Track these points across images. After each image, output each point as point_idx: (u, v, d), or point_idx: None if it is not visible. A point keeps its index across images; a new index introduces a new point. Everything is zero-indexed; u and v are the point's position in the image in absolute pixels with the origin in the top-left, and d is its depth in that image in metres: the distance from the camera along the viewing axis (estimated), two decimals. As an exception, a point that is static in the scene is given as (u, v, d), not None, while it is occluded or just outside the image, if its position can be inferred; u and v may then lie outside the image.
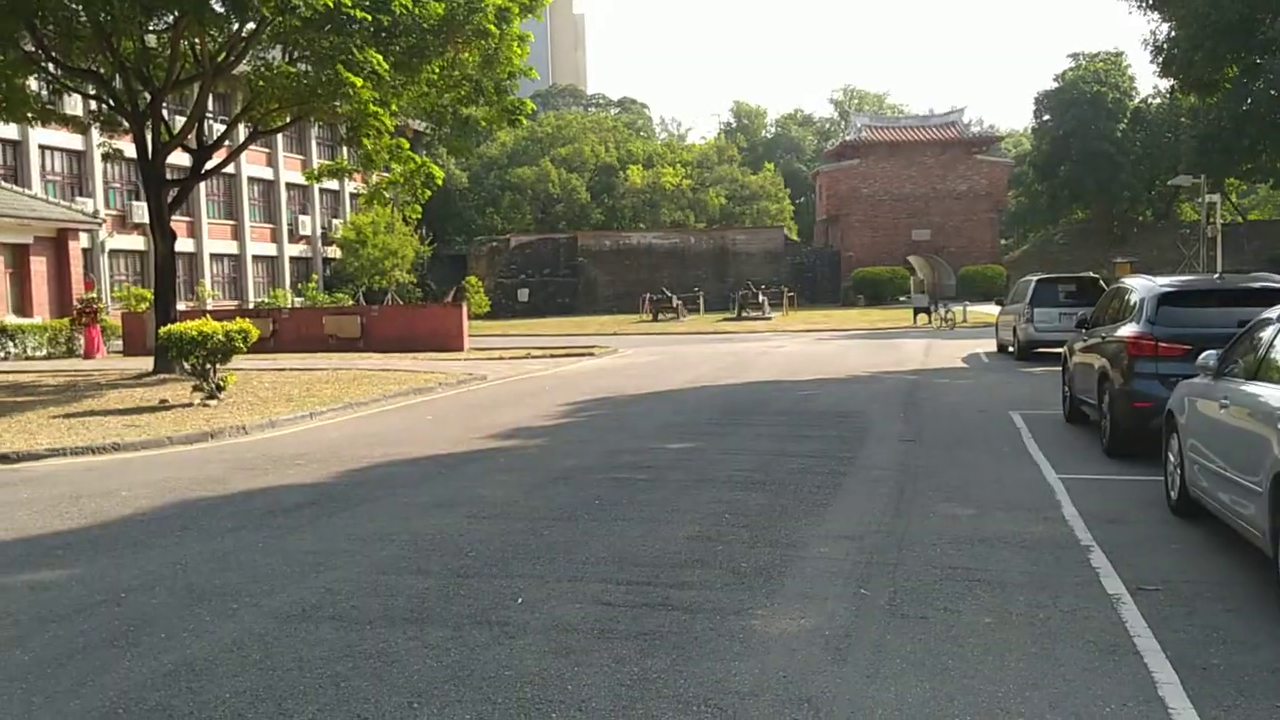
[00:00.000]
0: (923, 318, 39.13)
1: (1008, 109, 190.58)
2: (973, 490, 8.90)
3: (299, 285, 50.60)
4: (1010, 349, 23.71)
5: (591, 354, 27.97)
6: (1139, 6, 33.99)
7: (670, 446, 11.72)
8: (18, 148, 36.41)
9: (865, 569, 6.41)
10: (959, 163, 59.81)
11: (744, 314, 45.73)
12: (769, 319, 44.04)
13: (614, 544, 7.12)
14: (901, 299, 52.36)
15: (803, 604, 5.71)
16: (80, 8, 18.46)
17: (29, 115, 23.39)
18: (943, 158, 59.66)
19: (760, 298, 46.82)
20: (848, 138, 62.61)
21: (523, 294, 57.17)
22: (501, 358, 27.14)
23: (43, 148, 37.18)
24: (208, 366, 16.80)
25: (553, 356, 27.15)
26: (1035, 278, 23.46)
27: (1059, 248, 63.66)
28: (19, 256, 29.84)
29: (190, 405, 16.06)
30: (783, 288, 51.08)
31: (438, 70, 22.28)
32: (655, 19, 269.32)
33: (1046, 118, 62.74)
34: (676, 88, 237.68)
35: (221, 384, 16.90)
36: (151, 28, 21.55)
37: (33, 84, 23.91)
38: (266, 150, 48.53)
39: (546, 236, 60.43)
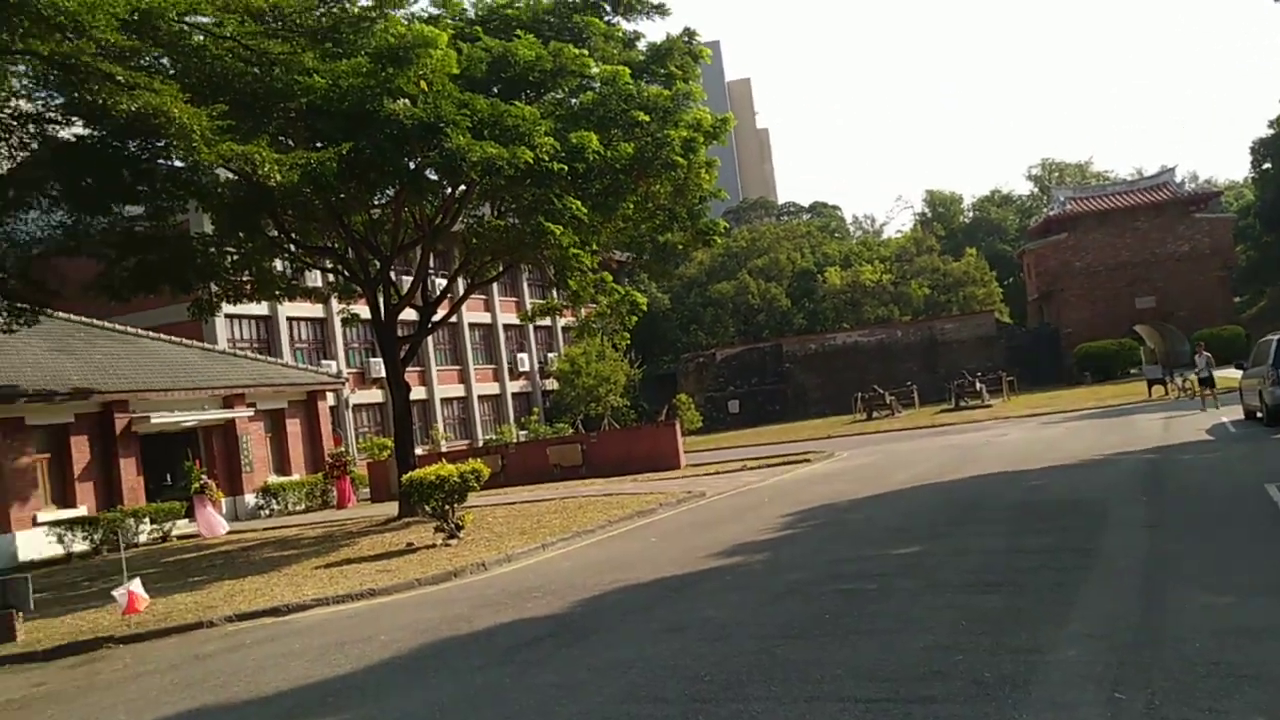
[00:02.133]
0: (1158, 389, 36.81)
1: (1220, 161, 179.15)
2: (1229, 575, 8.34)
3: (522, 419, 52.93)
4: (1259, 415, 21.97)
5: (807, 460, 27.81)
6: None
7: (896, 552, 11.54)
8: (269, 322, 40.37)
9: (1118, 670, 6.12)
10: (1176, 223, 56.60)
11: (961, 404, 44.34)
12: (988, 406, 42.51)
13: (848, 659, 7.10)
14: (1132, 371, 49.44)
15: (1053, 713, 5.53)
16: (314, 195, 20.62)
17: (277, 293, 26.08)
18: (1158, 220, 56.65)
19: (977, 385, 45.34)
20: (1051, 212, 60.54)
21: (733, 405, 57.58)
22: (718, 472, 27.38)
23: (290, 319, 41.04)
24: (446, 508, 17.86)
25: (768, 466, 27.17)
26: (1277, 336, 21.82)
27: (1301, 300, 58.72)
28: (277, 420, 32.83)
29: (433, 546, 17.08)
30: (1000, 372, 49.27)
31: (632, 205, 23.39)
32: (837, 122, 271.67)
33: (1267, 165, 58.74)
34: (866, 185, 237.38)
35: (460, 523, 17.91)
36: (375, 202, 23.75)
37: (278, 265, 26.70)
38: (484, 297, 51.63)
39: (751, 347, 60.97)
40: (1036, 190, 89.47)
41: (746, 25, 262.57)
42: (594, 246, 24.26)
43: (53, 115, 20.45)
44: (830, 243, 75.41)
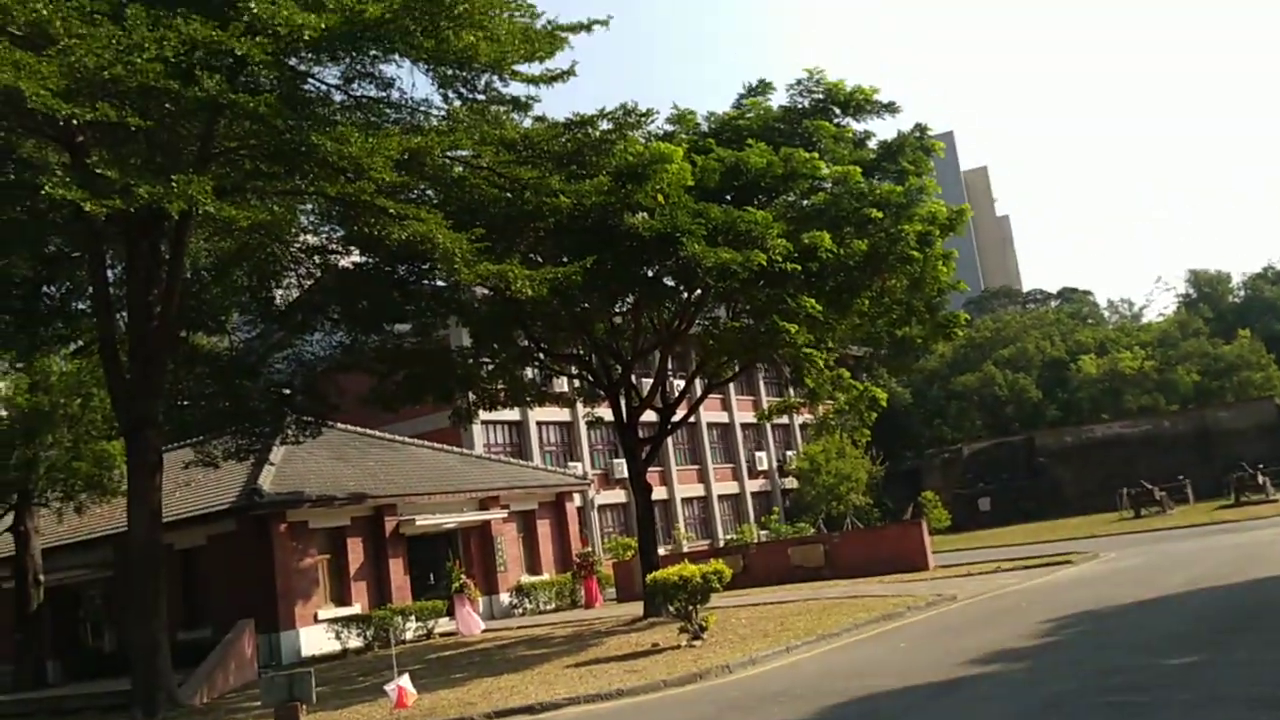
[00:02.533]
0: None
1: None
2: None
3: (762, 519, 52.68)
4: None
5: (1068, 562, 26.13)
6: None
7: (1171, 662, 10.70)
8: (520, 427, 42.53)
9: None
10: None
11: (1243, 499, 40.43)
12: (1274, 501, 38.57)
13: (1118, 776, 6.67)
14: None
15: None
16: (561, 306, 21.87)
17: (528, 399, 27.55)
18: None
19: (1260, 478, 41.27)
20: (1338, 286, 55.21)
21: (983, 503, 54.98)
22: (969, 573, 26.17)
23: (539, 423, 43.09)
24: (690, 608, 18.03)
25: (1025, 568, 25.72)
26: None
27: None
28: (528, 521, 34.29)
29: (678, 647, 17.24)
30: (1288, 464, 44.72)
31: (868, 301, 23.32)
32: (1083, 204, 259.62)
33: None
34: (1120, 267, 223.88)
35: (704, 624, 18.02)
36: (617, 310, 24.84)
37: (529, 372, 28.26)
38: (720, 396, 52.27)
39: (1000, 441, 58.32)
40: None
41: (981, 114, 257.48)
42: (829, 344, 24.28)
43: (334, 247, 22.86)
44: (1083, 330, 71.62)
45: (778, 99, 25.42)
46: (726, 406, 53.79)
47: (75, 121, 14.34)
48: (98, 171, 14.03)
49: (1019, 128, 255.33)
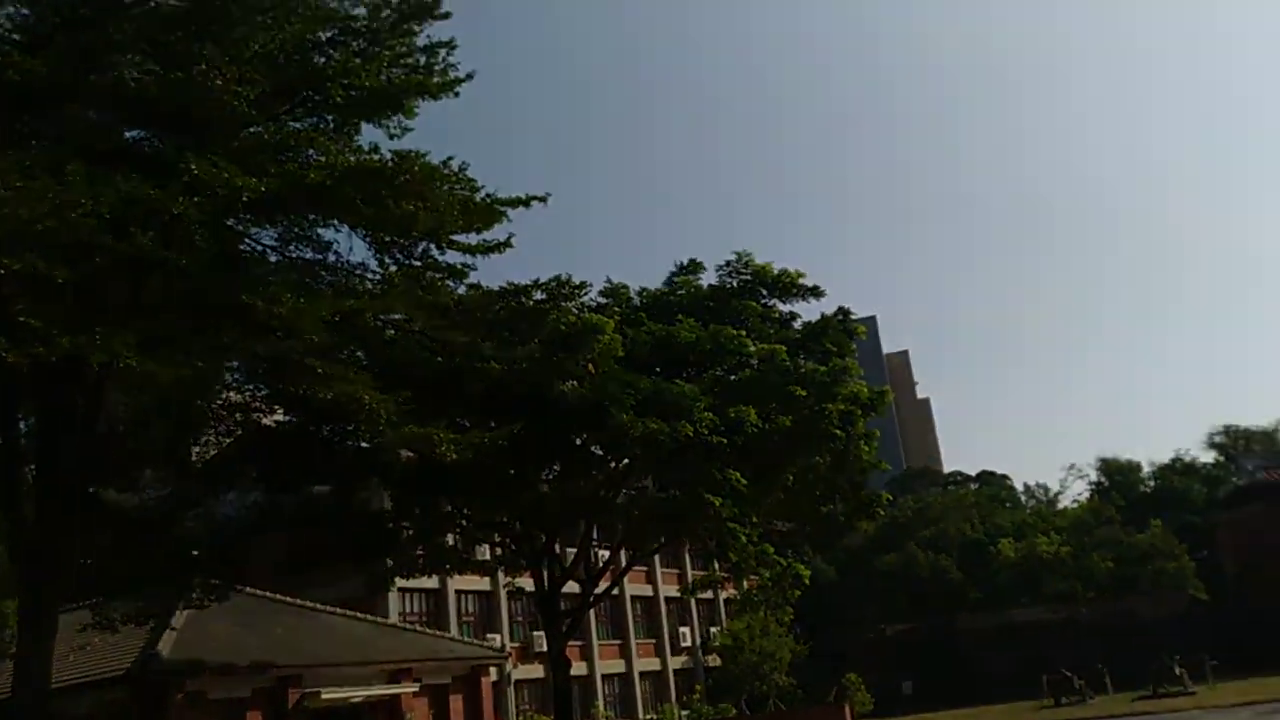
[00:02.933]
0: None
1: None
2: None
3: (684, 698, 51.17)
4: None
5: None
6: None
7: None
8: (438, 595, 41.24)
9: None
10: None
11: (1160, 690, 40.55)
12: (1192, 694, 38.73)
13: None
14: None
15: None
16: (486, 472, 21.66)
17: (448, 566, 26.88)
18: (1366, 484, 52.74)
19: (1177, 669, 41.52)
20: (1241, 482, 57.27)
21: (906, 687, 54.30)
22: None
23: (458, 592, 41.86)
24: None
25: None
26: None
27: None
28: (440, 696, 32.76)
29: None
30: (1203, 655, 45.07)
31: (792, 477, 23.59)
32: (1000, 389, 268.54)
33: None
34: (1035, 452, 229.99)
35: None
36: (543, 477, 24.68)
37: (450, 539, 27.67)
38: (645, 569, 51.56)
39: (923, 624, 58.12)
40: (1222, 458, 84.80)
41: (901, 299, 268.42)
42: (754, 519, 24.33)
43: (258, 404, 22.53)
44: (1001, 512, 72.78)
45: (708, 278, 26.28)
46: (651, 579, 53.01)
47: (1, 271, 14.22)
48: (20, 320, 13.83)
49: (940, 314, 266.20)
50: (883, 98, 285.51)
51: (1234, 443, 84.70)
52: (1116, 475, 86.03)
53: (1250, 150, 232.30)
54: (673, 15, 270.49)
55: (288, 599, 32.17)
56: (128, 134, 17.60)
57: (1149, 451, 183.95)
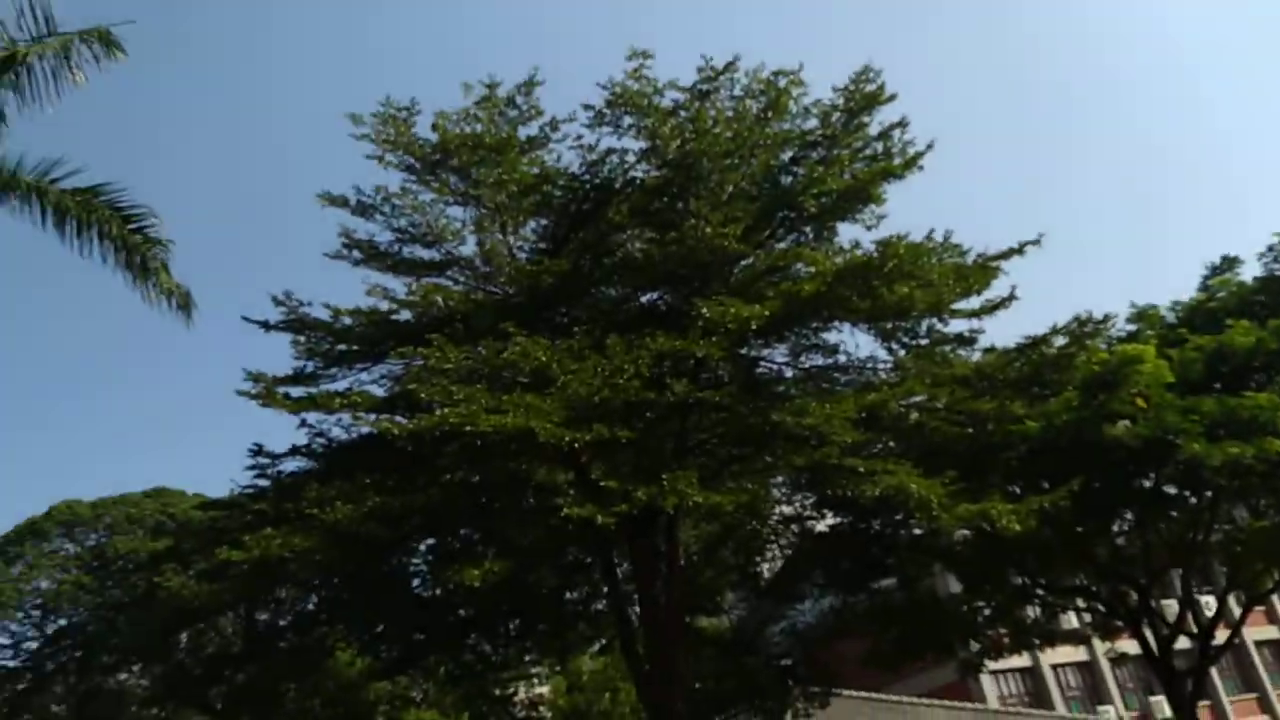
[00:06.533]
0: None
1: None
2: None
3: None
4: None
5: None
6: None
7: None
8: (1033, 673, 39.06)
9: None
10: None
11: None
12: None
13: None
14: None
15: None
16: (1052, 536, 20.38)
17: (1035, 641, 25.43)
18: None
19: None
20: None
21: None
22: None
23: (1054, 667, 39.32)
24: None
25: None
26: None
27: None
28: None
29: None
30: None
31: None
32: None
33: None
34: None
35: None
36: (1116, 529, 22.68)
37: (1030, 612, 26.22)
38: (1264, 608, 44.92)
39: None
40: None
41: None
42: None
43: (809, 513, 23.39)
44: None
45: (1250, 270, 23.20)
46: (1275, 619, 45.99)
47: (576, 445, 16.33)
48: (600, 484, 15.73)
49: None
50: None
51: None
52: None
53: None
54: None
55: (886, 697, 32.39)
56: (643, 298, 19.70)
57: None
